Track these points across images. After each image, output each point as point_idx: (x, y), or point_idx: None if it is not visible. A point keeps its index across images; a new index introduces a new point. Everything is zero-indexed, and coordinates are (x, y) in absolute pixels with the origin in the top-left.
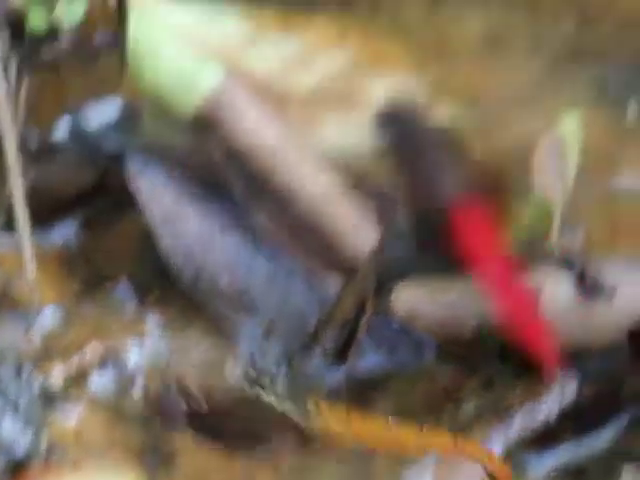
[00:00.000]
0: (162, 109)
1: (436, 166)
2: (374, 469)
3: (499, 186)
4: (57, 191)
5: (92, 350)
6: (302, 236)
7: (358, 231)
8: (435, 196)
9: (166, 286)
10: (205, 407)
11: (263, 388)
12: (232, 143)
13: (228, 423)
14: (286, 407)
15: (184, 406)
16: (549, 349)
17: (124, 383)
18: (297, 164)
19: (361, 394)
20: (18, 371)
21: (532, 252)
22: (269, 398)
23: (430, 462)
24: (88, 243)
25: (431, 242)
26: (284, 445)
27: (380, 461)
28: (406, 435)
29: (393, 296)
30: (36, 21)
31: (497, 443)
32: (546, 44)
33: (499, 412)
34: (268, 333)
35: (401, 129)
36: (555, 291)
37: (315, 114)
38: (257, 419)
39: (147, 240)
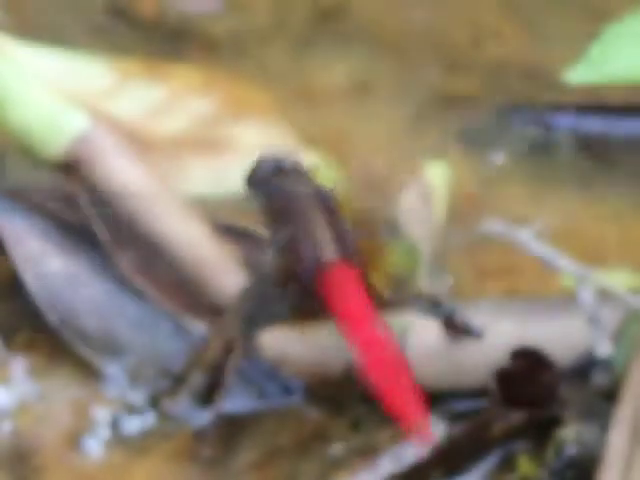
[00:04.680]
0: (27, 153)
1: (307, 226)
2: None
3: (369, 244)
4: None
5: None
6: (169, 280)
7: (226, 275)
8: (304, 256)
9: (33, 329)
10: None
11: None
12: (98, 188)
13: None
14: None
15: None
16: (409, 401)
17: None
18: (163, 209)
19: (228, 433)
20: None
21: (399, 295)
22: None
23: None
24: None
25: (298, 298)
26: None
27: None
28: None
29: (262, 338)
30: None
31: None
32: (412, 91)
33: (367, 454)
34: (135, 376)
35: (272, 188)
36: (423, 333)
37: (181, 161)
38: None
39: (13, 283)
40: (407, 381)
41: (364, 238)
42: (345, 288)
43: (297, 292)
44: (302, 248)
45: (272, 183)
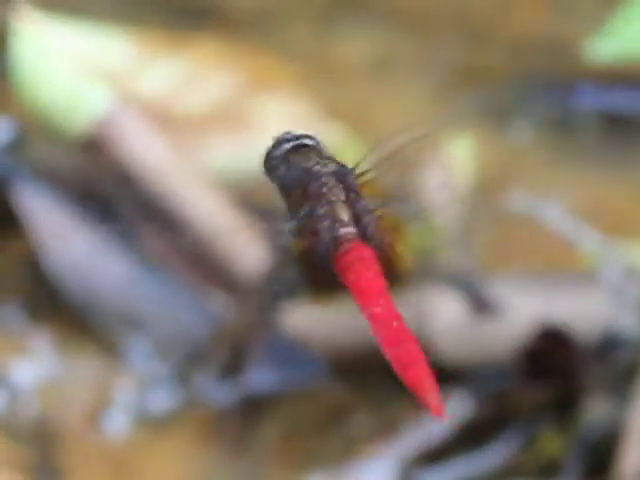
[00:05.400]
0: (50, 131)
1: (326, 204)
2: None
3: (392, 221)
4: None
5: None
6: (191, 257)
7: (248, 251)
8: (322, 234)
9: (56, 304)
10: None
11: None
12: (121, 166)
13: None
14: None
15: None
16: (424, 378)
17: (13, 402)
18: (186, 186)
19: (252, 410)
20: None
21: (423, 270)
22: None
23: None
24: None
25: (316, 277)
26: None
27: None
28: None
29: (286, 314)
30: None
31: (389, 461)
32: (435, 64)
33: (390, 432)
34: (159, 352)
35: (290, 167)
36: (446, 309)
37: (205, 136)
38: None
39: (36, 261)
40: (422, 358)
41: (387, 215)
42: (361, 266)
43: (315, 271)
44: (320, 227)
45: (290, 161)
